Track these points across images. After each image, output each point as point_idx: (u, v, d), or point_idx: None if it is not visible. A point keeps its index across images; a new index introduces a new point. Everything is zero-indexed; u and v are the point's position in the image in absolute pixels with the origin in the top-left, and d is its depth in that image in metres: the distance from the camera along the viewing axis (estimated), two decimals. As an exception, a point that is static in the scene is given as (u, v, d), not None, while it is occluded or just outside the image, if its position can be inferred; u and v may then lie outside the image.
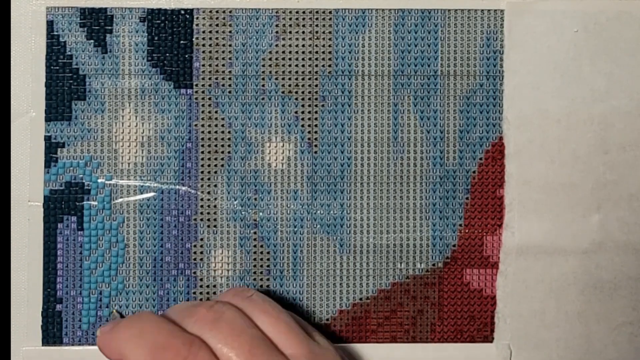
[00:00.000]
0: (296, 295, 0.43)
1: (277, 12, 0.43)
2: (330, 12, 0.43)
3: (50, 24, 0.42)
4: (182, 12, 0.43)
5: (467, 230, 0.44)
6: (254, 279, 0.43)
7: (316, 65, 0.43)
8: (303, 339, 0.36)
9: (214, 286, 0.43)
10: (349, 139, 0.43)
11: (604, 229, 0.43)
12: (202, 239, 0.43)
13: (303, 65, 0.43)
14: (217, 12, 0.43)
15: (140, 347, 0.34)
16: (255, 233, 0.43)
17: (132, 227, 0.43)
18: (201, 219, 0.43)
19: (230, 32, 0.43)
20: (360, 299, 0.43)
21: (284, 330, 0.36)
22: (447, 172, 0.43)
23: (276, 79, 0.43)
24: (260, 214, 0.43)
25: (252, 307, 0.37)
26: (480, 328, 0.44)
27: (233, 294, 0.38)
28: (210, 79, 0.43)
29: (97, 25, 0.43)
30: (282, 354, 0.35)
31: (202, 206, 0.43)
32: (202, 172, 0.43)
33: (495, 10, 0.43)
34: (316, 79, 0.43)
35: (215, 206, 0.43)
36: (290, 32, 0.43)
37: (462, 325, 0.44)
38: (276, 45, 0.43)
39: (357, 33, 0.43)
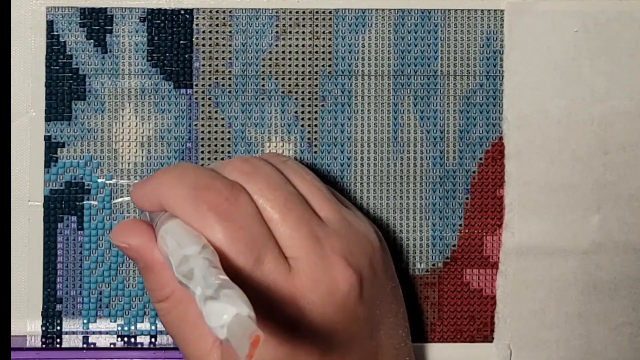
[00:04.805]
0: (296, 295, 0.43)
1: (277, 12, 0.43)
2: (330, 12, 0.43)
3: (50, 24, 0.42)
4: (182, 12, 0.43)
5: (467, 230, 0.43)
6: (254, 279, 0.43)
7: (316, 65, 0.43)
8: (336, 205, 0.36)
9: (214, 286, 0.43)
10: (349, 139, 0.43)
11: (604, 229, 0.43)
12: (202, 239, 0.43)
13: (303, 65, 0.43)
14: (217, 12, 0.43)
15: (181, 187, 0.33)
16: (255, 233, 0.43)
17: (132, 227, 0.43)
18: (201, 219, 0.43)
19: (230, 32, 0.43)
20: (360, 299, 0.43)
21: (318, 194, 0.36)
22: (447, 172, 0.43)
23: (276, 79, 0.43)
24: (260, 214, 0.43)
25: (288, 169, 0.37)
26: (480, 328, 0.44)
27: (268, 156, 0.38)
28: (210, 79, 0.43)
29: (97, 25, 0.43)
30: (316, 214, 0.35)
31: (202, 206, 0.43)
32: (202, 172, 0.43)
33: (495, 10, 0.43)
34: (316, 79, 0.43)
35: (215, 206, 0.43)
36: (290, 32, 0.43)
37: (462, 325, 0.44)
38: (276, 45, 0.43)
39: (357, 33, 0.43)
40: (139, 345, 0.43)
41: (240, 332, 0.25)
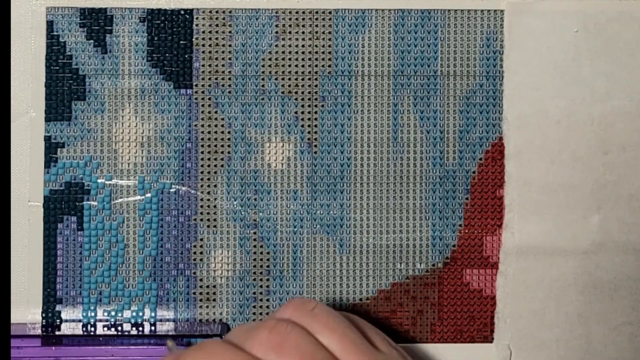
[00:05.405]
0: (296, 296, 0.43)
1: (277, 12, 0.43)
2: (330, 12, 0.43)
3: (50, 24, 0.42)
4: (182, 12, 0.43)
5: (467, 231, 0.44)
6: (254, 279, 0.43)
7: (316, 66, 0.43)
8: (369, 353, 0.36)
9: (214, 286, 0.43)
10: (349, 139, 0.43)
11: (604, 229, 0.43)
12: (202, 239, 0.43)
13: (303, 65, 0.43)
14: (217, 12, 0.43)
15: None
16: (255, 233, 0.43)
17: (132, 227, 0.43)
18: (201, 219, 0.43)
19: (230, 32, 0.43)
20: (360, 299, 0.43)
21: (351, 348, 0.35)
22: (447, 172, 0.43)
23: (276, 79, 0.43)
24: (260, 214, 0.43)
25: (316, 323, 0.36)
26: (480, 328, 0.44)
27: (294, 307, 0.37)
28: (210, 79, 0.43)
29: (97, 25, 0.43)
30: None
31: (202, 206, 0.43)
32: (202, 172, 0.43)
33: (495, 10, 0.43)
34: (316, 79, 0.43)
35: (215, 206, 0.43)
36: (290, 32, 0.43)
37: (462, 325, 0.44)
38: (276, 45, 0.43)
39: (357, 33, 0.43)
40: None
41: None
